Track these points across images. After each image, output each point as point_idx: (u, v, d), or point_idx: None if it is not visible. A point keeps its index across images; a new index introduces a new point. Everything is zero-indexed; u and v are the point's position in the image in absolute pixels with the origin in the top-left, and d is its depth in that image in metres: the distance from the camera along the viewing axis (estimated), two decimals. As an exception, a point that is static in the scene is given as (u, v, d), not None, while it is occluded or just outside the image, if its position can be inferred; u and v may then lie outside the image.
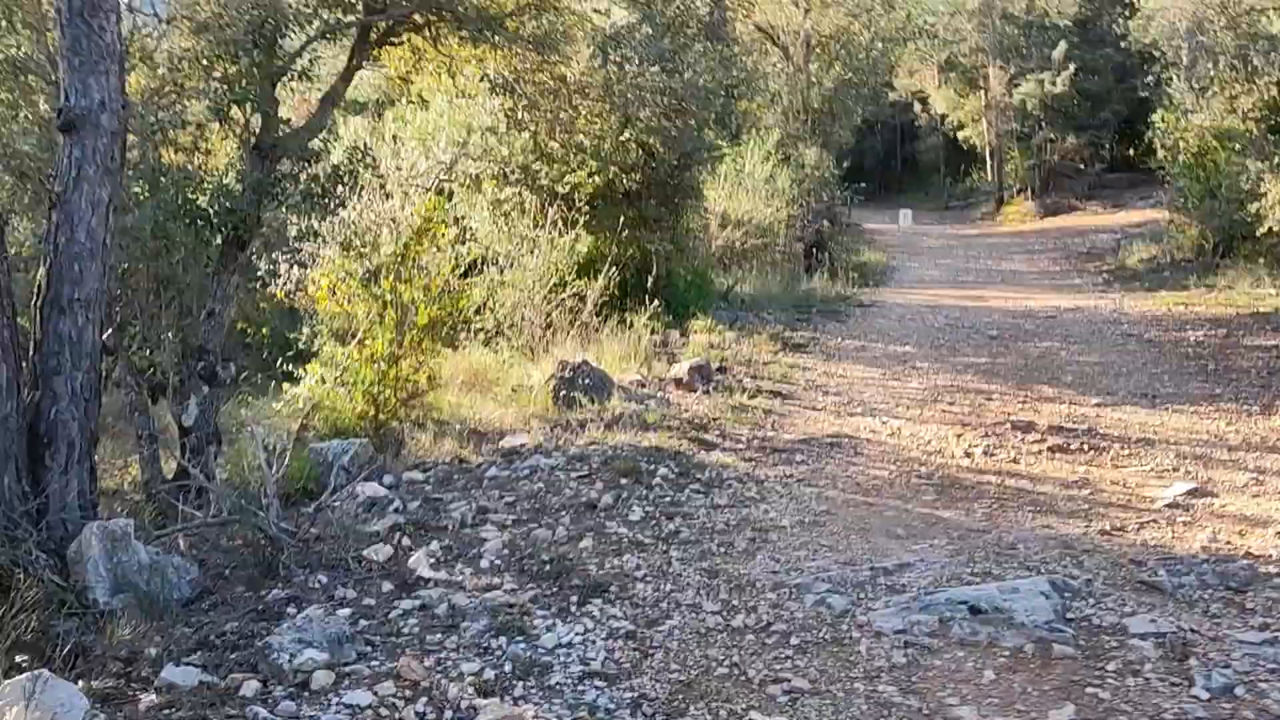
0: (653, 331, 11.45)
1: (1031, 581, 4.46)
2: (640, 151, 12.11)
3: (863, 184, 20.85)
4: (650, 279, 12.83)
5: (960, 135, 33.43)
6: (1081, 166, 30.52)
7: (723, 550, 5.08)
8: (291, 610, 4.23)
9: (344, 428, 7.42)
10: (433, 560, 4.84)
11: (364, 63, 8.06)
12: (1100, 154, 31.12)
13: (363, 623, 4.16)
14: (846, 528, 5.42)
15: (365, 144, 8.54)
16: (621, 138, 11.86)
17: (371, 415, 7.52)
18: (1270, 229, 13.42)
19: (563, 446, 6.98)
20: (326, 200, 7.29)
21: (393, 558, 4.89)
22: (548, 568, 4.76)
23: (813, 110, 18.43)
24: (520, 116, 10.23)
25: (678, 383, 9.04)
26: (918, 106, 35.76)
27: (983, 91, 31.39)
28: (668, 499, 5.89)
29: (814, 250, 18.71)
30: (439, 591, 4.48)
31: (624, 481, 6.14)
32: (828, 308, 13.88)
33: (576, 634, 4.05)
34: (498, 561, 4.86)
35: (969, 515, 5.63)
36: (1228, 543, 5.17)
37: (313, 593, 4.47)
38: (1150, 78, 21.13)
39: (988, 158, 33.64)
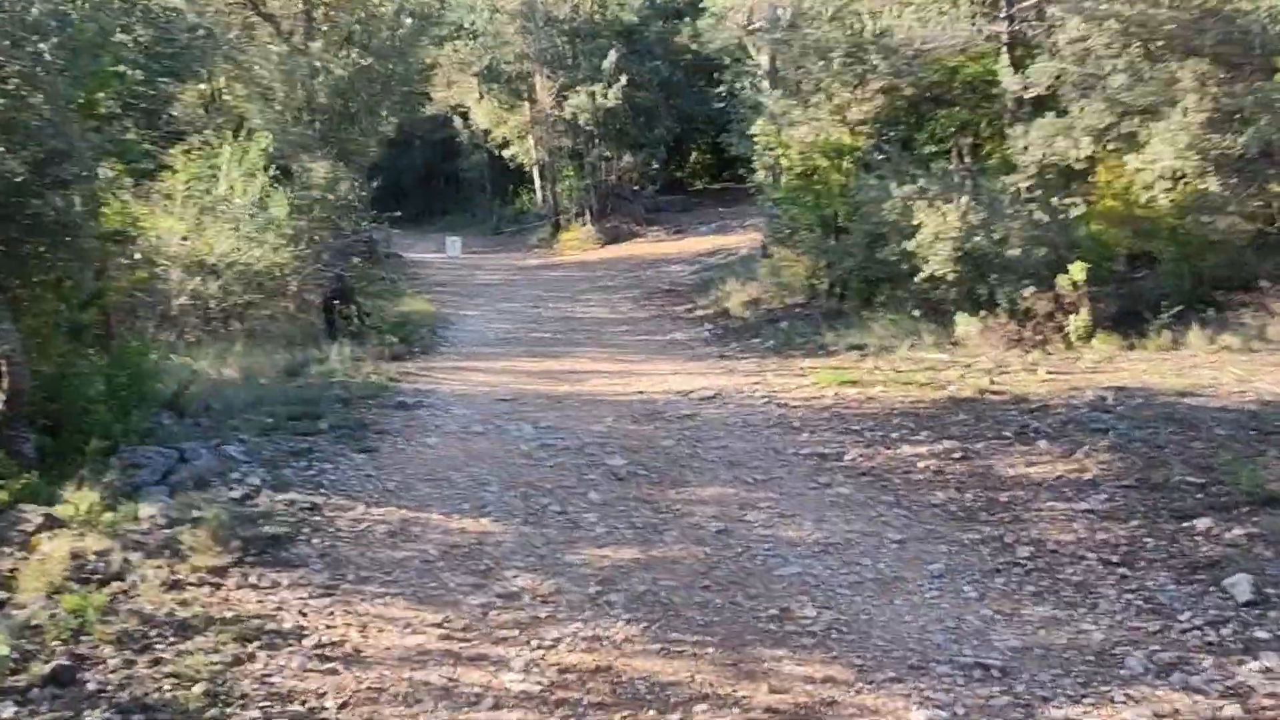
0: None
1: None
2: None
3: (398, 212, 15.51)
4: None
5: (506, 153, 29.17)
6: (637, 188, 27.54)
7: None
8: None
9: None
10: None
11: None
12: (652, 175, 28.40)
13: None
14: None
15: None
16: None
17: None
18: (933, 274, 10.04)
19: None
20: None
21: None
22: None
23: (320, 108, 12.79)
24: None
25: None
26: (459, 121, 31.08)
27: (528, 104, 27.34)
28: None
29: (337, 303, 13.07)
30: None
31: None
32: (348, 415, 8.37)
33: None
34: None
35: None
36: None
37: None
38: (722, 87, 17.99)
39: (537, 178, 29.76)
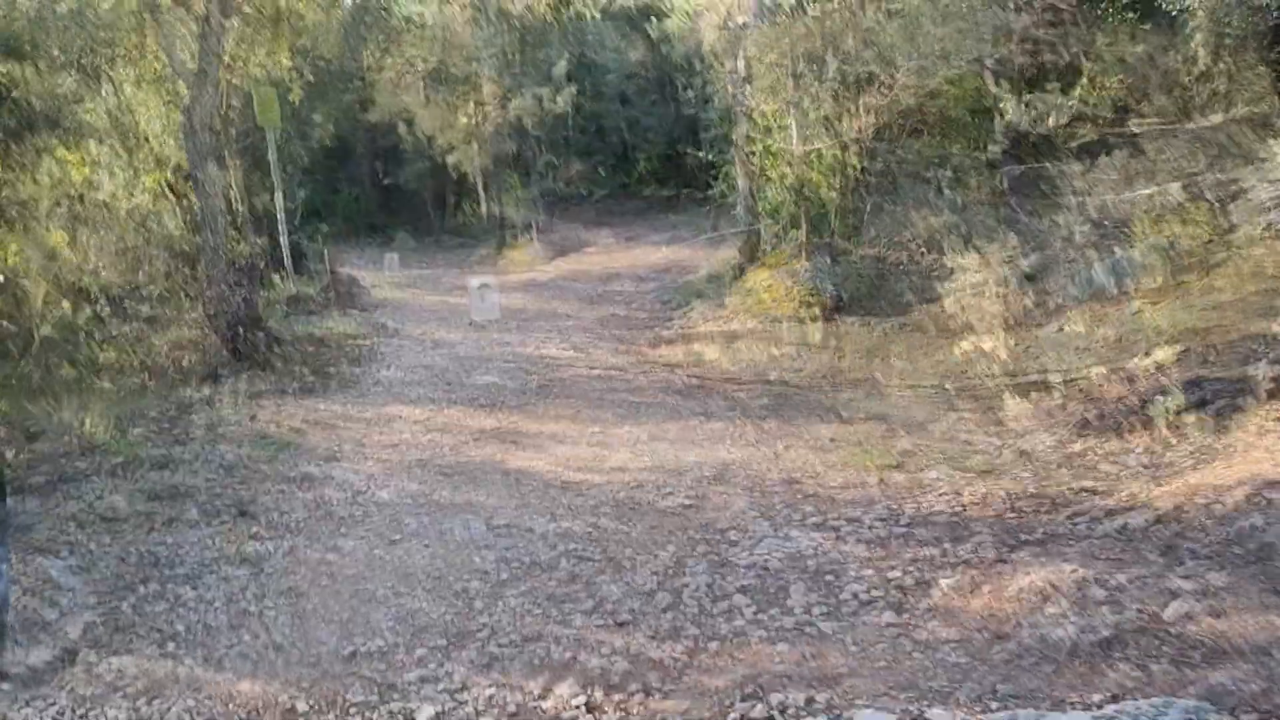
0: None
1: None
2: None
3: (328, 225, 13.08)
4: None
5: (450, 159, 26.61)
6: (587, 194, 25.28)
7: None
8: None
9: None
10: None
11: None
12: (601, 181, 26.23)
13: None
14: None
15: None
16: None
17: None
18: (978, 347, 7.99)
19: None
20: None
21: None
22: None
23: (235, 105, 10.30)
24: None
25: None
26: (403, 127, 28.42)
27: (474, 105, 24.89)
28: None
29: (242, 329, 10.60)
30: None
31: None
32: (231, 493, 6.03)
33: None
34: None
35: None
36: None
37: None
38: (691, 92, 15.90)
39: (481, 189, 27.27)
